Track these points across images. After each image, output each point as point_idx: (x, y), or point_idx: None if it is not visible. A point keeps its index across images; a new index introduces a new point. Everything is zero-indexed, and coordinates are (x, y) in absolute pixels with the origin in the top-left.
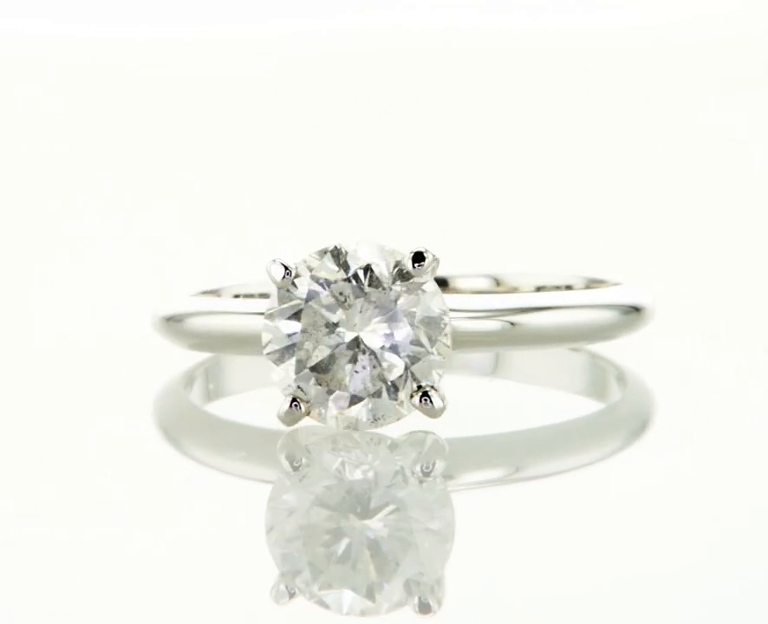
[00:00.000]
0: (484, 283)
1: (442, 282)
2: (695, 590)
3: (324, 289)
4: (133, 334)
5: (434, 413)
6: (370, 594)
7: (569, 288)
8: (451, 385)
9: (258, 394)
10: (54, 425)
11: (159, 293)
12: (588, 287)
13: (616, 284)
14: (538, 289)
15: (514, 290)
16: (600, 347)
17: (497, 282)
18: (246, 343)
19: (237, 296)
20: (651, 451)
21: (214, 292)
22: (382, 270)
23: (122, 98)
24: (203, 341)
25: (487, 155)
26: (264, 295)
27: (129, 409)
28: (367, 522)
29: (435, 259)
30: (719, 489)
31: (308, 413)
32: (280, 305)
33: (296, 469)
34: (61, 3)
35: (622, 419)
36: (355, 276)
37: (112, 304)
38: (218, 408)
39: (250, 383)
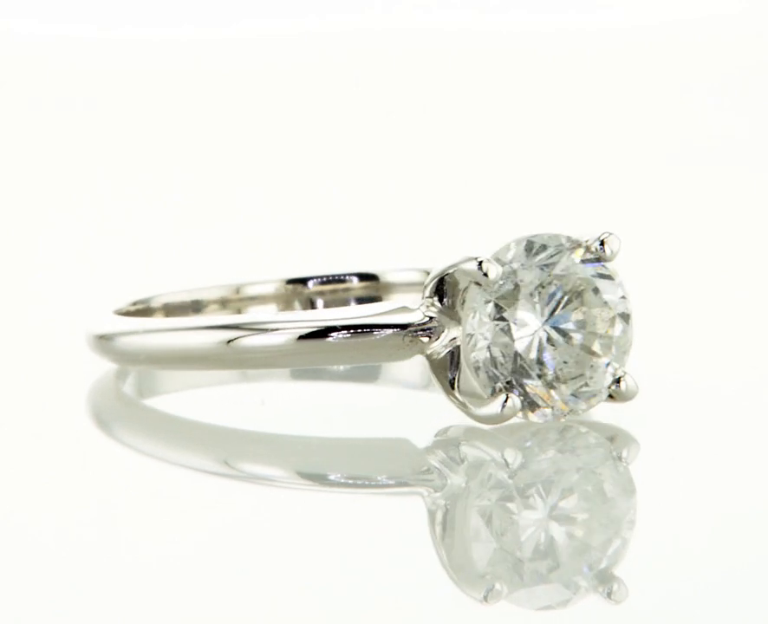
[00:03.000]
0: (416, 277)
1: (372, 277)
2: (680, 597)
3: (519, 281)
4: (68, 332)
5: (627, 397)
6: (562, 587)
7: None
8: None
9: (189, 395)
10: None
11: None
12: None
13: None
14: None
15: None
16: None
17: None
18: (177, 360)
19: (167, 305)
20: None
21: (144, 302)
22: (573, 258)
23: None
24: (134, 358)
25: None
26: (196, 303)
27: (62, 401)
28: (561, 514)
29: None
30: (693, 498)
31: (520, 409)
32: (479, 302)
33: (508, 465)
34: (61, 3)
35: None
36: (549, 265)
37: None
38: (151, 404)
39: (180, 384)
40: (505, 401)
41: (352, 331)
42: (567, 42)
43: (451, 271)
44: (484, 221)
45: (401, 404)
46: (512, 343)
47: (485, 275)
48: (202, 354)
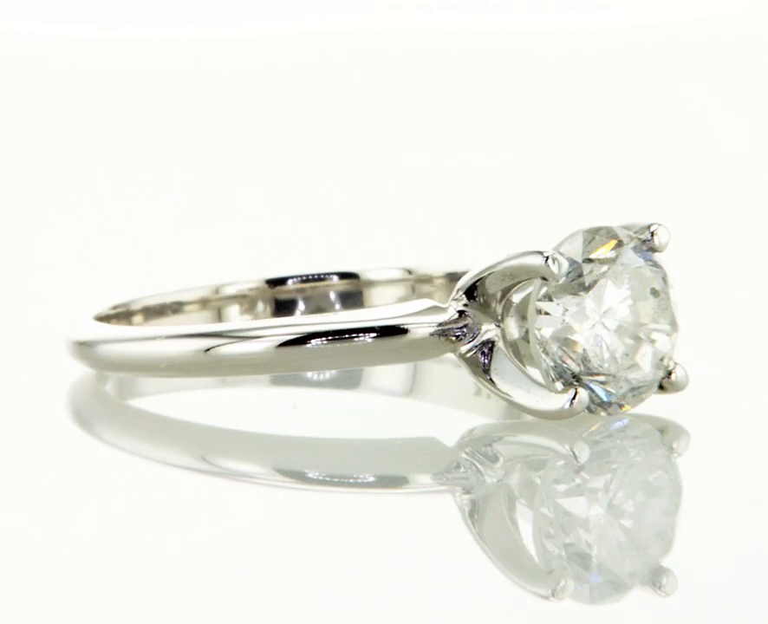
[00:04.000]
0: (397, 274)
1: (352, 276)
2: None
3: (581, 275)
4: (47, 332)
5: (680, 387)
6: (619, 583)
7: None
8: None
9: (171, 397)
10: None
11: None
12: None
13: None
14: (449, 276)
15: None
16: None
17: (410, 273)
18: (157, 367)
19: (147, 308)
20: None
21: (124, 305)
22: (630, 252)
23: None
24: (113, 366)
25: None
26: (177, 305)
27: (42, 401)
28: (621, 509)
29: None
30: (700, 496)
31: (589, 404)
32: (560, 298)
33: (577, 460)
34: (61, 3)
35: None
36: (608, 258)
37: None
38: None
39: (160, 387)
40: (574, 396)
41: (377, 333)
42: (567, 42)
43: (512, 263)
44: (485, 220)
45: (385, 410)
46: (579, 338)
47: (555, 268)
48: (180, 362)
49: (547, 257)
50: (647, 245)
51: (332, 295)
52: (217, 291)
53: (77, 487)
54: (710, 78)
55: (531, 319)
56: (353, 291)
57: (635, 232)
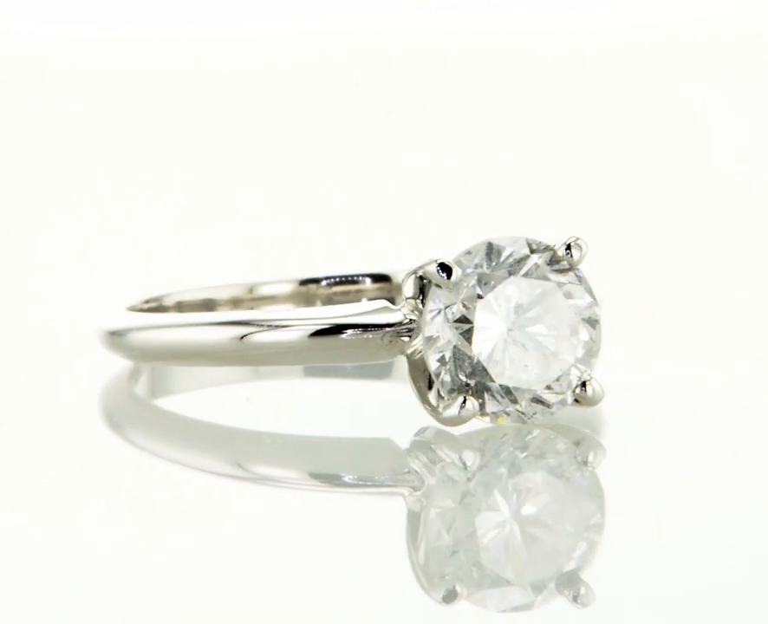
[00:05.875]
0: None
1: (384, 278)
2: (665, 599)
3: (480, 284)
4: (80, 330)
5: (594, 402)
6: (527, 589)
7: None
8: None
9: (203, 394)
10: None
11: (106, 296)
12: None
13: None
14: None
15: None
16: None
17: None
18: (190, 356)
19: (180, 303)
20: (619, 459)
21: (157, 300)
22: (538, 262)
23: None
24: (146, 354)
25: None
26: (208, 302)
27: (75, 402)
28: (524, 516)
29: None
30: (689, 496)
31: (477, 412)
32: (441, 304)
33: (465, 467)
34: (61, 3)
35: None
36: (511, 268)
37: (59, 302)
38: (162, 404)
39: (194, 383)
40: (463, 403)
41: (359, 330)
42: (567, 42)
43: (419, 273)
44: (490, 219)
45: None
46: (474, 346)
47: (446, 277)
48: (214, 349)
49: (440, 264)
50: (562, 258)
51: (363, 299)
52: (250, 290)
53: (111, 494)
54: (710, 78)
55: (424, 326)
56: (384, 297)
57: (553, 245)
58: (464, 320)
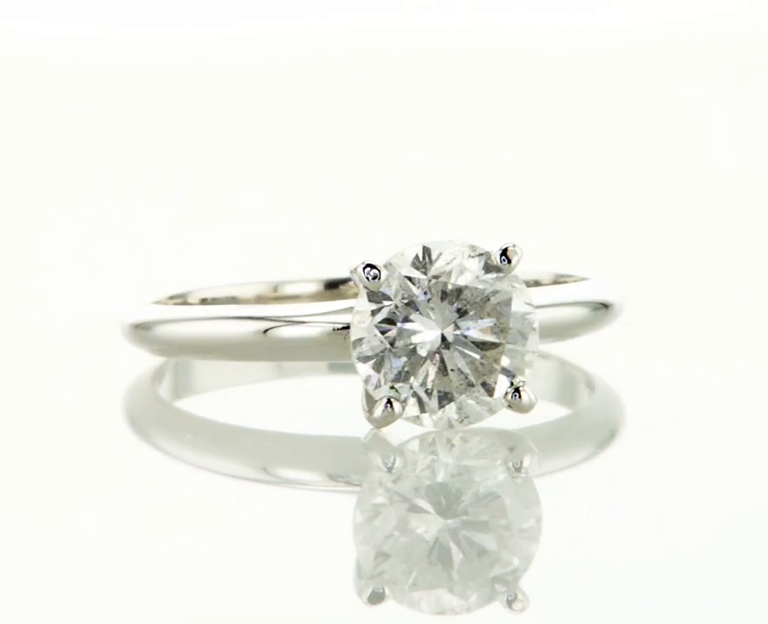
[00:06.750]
0: None
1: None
2: (666, 599)
3: (412, 288)
4: (104, 330)
5: (525, 409)
6: (459, 593)
7: (536, 283)
8: None
9: (226, 393)
10: (23, 419)
11: (127, 295)
12: (555, 283)
13: (583, 279)
14: None
15: None
16: (569, 347)
17: None
18: (214, 349)
19: (204, 300)
20: (620, 459)
21: (181, 296)
22: (471, 267)
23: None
24: (170, 347)
25: (460, 150)
26: (232, 300)
27: (98, 403)
28: (456, 520)
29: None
30: (690, 496)
31: (401, 415)
32: (369, 307)
33: (390, 470)
34: (61, 3)
35: (591, 426)
36: (443, 273)
37: (83, 301)
38: (186, 405)
39: (218, 382)
40: (388, 406)
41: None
42: (567, 42)
43: (353, 274)
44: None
45: None
46: (402, 350)
47: (373, 279)
48: (238, 343)
49: (366, 267)
50: (496, 264)
51: None
52: (275, 288)
53: (135, 499)
54: (710, 78)
55: (353, 328)
56: None
57: (488, 251)
58: (392, 323)
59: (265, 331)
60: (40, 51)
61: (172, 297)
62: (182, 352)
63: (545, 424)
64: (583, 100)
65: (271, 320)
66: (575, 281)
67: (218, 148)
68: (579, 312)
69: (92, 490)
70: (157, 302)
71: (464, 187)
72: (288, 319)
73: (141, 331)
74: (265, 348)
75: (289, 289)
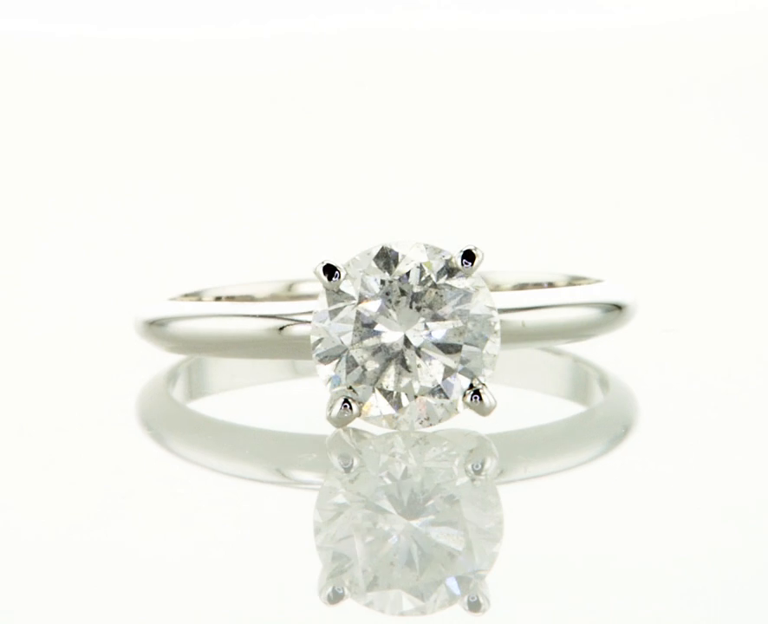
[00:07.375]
0: None
1: None
2: (678, 596)
3: (373, 289)
4: (117, 331)
5: (485, 411)
6: (420, 594)
7: (550, 285)
8: None
9: (240, 394)
10: (36, 420)
11: (142, 294)
12: (569, 284)
13: (598, 281)
14: (519, 286)
15: (495, 288)
16: (582, 348)
17: None
18: (229, 346)
19: (218, 299)
20: (633, 455)
21: (195, 295)
22: (432, 269)
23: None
24: (185, 344)
25: (473, 151)
26: (247, 298)
27: (112, 405)
28: (417, 521)
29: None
30: (702, 493)
31: (359, 415)
32: (329, 306)
33: (347, 470)
34: (61, 3)
35: (604, 422)
36: (405, 275)
37: (96, 302)
38: (199, 406)
39: (232, 382)
40: (345, 405)
41: None
42: (567, 41)
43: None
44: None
45: None
46: (360, 350)
47: (333, 278)
48: (253, 340)
49: (325, 266)
50: (458, 266)
51: None
52: (290, 288)
53: (151, 504)
54: (709, 78)
55: (312, 326)
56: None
57: (446, 253)
58: (351, 323)
59: (281, 328)
60: (40, 51)
61: (186, 295)
62: (196, 349)
63: (559, 421)
64: (584, 100)
65: (287, 318)
66: (589, 283)
67: (233, 148)
68: (592, 313)
69: (105, 491)
70: (172, 300)
71: (477, 190)
72: (303, 316)
73: (156, 328)
74: (280, 346)
75: (304, 289)
